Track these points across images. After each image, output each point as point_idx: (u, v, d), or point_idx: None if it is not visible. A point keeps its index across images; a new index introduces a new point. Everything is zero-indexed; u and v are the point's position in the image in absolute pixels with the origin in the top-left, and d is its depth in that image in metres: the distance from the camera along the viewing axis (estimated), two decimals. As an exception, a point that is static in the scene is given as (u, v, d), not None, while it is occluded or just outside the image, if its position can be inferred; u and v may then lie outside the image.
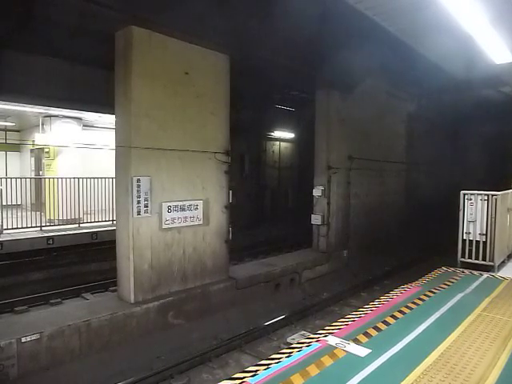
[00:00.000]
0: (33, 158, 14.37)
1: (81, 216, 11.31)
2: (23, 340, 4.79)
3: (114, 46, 6.19)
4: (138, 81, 5.94)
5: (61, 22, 7.26)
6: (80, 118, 12.09)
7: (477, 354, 3.33)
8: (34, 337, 4.87)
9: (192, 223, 6.79)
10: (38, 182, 12.04)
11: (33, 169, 14.32)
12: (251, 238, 13.12)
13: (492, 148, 16.54)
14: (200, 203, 6.92)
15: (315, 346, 3.46)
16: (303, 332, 6.65)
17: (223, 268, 7.45)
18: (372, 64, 9.90)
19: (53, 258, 9.50)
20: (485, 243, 6.23)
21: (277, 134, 16.39)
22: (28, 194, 10.79)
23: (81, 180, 10.75)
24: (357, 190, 11.00)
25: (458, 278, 5.82)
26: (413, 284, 5.47)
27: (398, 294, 4.96)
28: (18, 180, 10.13)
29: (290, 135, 16.97)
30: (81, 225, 10.89)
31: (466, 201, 6.41)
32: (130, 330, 5.80)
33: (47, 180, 11.02)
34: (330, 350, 3.36)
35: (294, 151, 17.91)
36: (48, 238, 9.43)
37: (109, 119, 11.34)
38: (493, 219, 6.20)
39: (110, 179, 10.34)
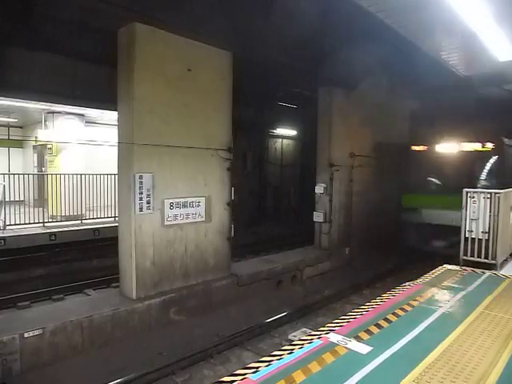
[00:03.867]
0: (35, 155, 14.39)
1: (83, 212, 11.33)
2: (26, 335, 4.82)
3: (116, 43, 6.19)
4: (141, 77, 5.94)
5: (63, 18, 7.26)
6: (83, 115, 12.08)
7: (478, 352, 3.33)
8: (36, 332, 4.91)
9: (194, 220, 6.80)
10: (41, 179, 12.07)
11: (35, 165, 14.34)
12: (253, 235, 13.14)
13: None
14: (202, 200, 6.92)
15: (317, 343, 3.46)
16: (305, 329, 6.65)
17: (225, 265, 7.47)
18: (374, 61, 9.85)
19: (55, 254, 9.53)
20: (487, 241, 6.19)
21: (279, 131, 16.35)
22: (31, 190, 10.80)
23: (83, 176, 10.77)
24: (359, 187, 10.98)
25: (459, 276, 5.80)
26: (415, 282, 5.46)
27: (400, 292, 4.95)
28: (21, 176, 10.15)
29: (292, 132, 16.93)
30: (83, 221, 10.91)
31: (468, 199, 6.39)
32: (132, 326, 5.83)
33: (50, 176, 11.04)
34: (331, 347, 3.35)
35: (296, 148, 17.86)
36: (50, 234, 9.45)
37: (111, 115, 11.32)
38: (495, 217, 6.17)
39: (113, 176, 10.35)
